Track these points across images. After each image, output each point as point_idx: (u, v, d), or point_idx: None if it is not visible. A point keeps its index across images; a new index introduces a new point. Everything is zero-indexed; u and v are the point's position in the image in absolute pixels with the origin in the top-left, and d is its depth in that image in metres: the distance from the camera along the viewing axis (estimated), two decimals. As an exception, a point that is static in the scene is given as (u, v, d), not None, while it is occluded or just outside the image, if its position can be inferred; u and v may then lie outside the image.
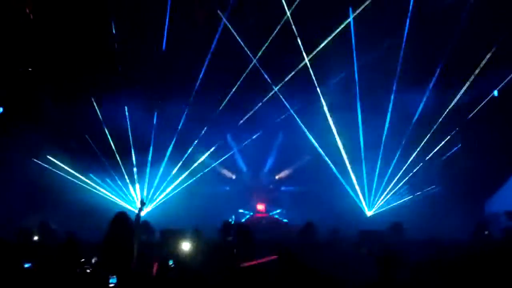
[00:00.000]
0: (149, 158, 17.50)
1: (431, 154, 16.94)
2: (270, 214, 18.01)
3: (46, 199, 16.29)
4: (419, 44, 15.81)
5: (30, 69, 16.82)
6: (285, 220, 17.85)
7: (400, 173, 17.13)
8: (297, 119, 17.25)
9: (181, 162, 17.53)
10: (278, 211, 18.08)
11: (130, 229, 9.08)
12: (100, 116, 17.08)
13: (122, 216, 9.05)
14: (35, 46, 16.19)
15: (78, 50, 16.07)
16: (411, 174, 17.09)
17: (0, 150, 16.22)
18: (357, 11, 16.07)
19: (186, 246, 10.47)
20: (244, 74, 16.81)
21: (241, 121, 17.46)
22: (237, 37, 16.50)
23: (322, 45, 16.41)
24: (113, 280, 8.02)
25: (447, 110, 16.68)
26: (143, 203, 10.89)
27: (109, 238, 8.83)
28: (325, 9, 16.04)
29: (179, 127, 17.33)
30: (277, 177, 18.72)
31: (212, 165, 17.93)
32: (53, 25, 15.97)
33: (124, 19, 16.14)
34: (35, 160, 16.77)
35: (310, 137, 17.27)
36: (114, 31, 16.39)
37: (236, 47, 16.60)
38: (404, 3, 15.94)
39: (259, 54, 16.64)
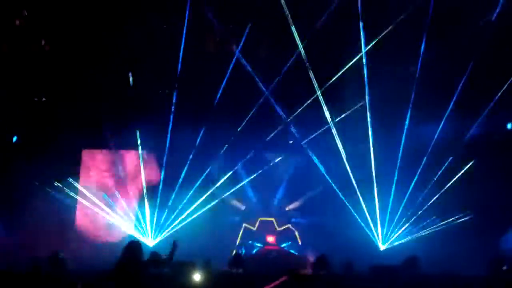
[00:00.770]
0: (159, 190, 17.39)
1: (446, 187, 16.65)
2: (281, 246, 17.72)
3: (55, 228, 16.27)
4: (433, 73, 15.66)
5: (44, 99, 17.15)
6: (295, 252, 17.56)
7: (415, 205, 16.85)
8: (308, 150, 17.09)
9: (190, 192, 17.38)
10: (288, 243, 17.79)
11: (141, 260, 8.88)
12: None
13: (134, 245, 8.84)
14: (51, 76, 16.49)
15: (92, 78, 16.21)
16: (425, 207, 16.75)
17: (15, 178, 16.23)
18: (370, 45, 16.03)
19: (197, 277, 10.29)
20: (255, 108, 16.89)
21: (250, 154, 17.35)
22: (249, 69, 16.54)
23: (335, 77, 16.39)
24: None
25: (461, 142, 16.55)
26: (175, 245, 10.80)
27: (121, 266, 8.63)
28: (337, 41, 16.06)
29: (189, 159, 17.15)
30: (287, 208, 18.48)
31: (222, 197, 17.70)
32: (68, 56, 16.21)
33: (139, 44, 16.14)
34: (47, 188, 16.72)
35: (321, 167, 17.08)
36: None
37: (248, 80, 16.63)
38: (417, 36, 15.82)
39: (271, 86, 16.70)
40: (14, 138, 17.47)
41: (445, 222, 16.55)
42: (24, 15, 16.09)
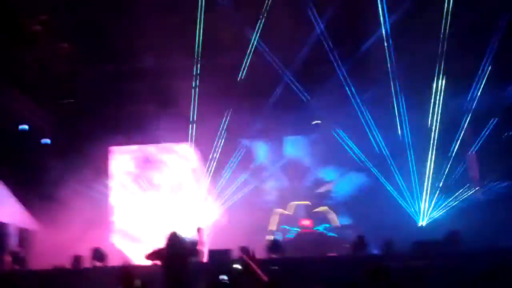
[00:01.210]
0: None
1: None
2: (317, 228, 17.52)
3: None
4: (465, 37, 15.16)
5: (72, 101, 17.54)
6: (332, 234, 17.34)
7: (453, 177, 16.43)
8: (340, 131, 16.86)
9: (223, 180, 17.34)
10: (325, 225, 17.57)
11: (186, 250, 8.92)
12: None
13: (177, 237, 8.86)
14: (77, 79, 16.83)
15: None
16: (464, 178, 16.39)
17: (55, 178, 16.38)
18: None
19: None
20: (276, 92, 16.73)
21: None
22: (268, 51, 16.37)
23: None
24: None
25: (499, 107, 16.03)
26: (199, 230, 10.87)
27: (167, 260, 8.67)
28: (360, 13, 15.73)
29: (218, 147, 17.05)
30: (321, 190, 18.25)
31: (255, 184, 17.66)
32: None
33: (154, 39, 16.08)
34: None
35: (355, 147, 16.81)
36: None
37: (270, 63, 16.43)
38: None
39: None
40: (47, 141, 17.94)
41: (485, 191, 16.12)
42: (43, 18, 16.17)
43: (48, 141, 18.10)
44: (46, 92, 17.11)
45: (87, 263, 13.66)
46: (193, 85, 16.73)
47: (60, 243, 14.77)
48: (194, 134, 17.21)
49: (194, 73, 16.68)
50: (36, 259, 14.19)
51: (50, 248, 14.66)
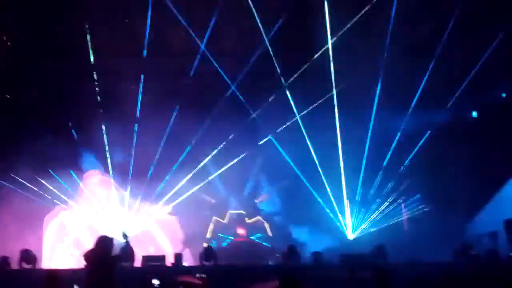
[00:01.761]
0: (128, 185, 17.33)
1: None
2: (251, 237, 17.84)
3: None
4: (399, 68, 15.87)
5: (7, 96, 16.79)
6: (266, 244, 17.69)
7: (382, 195, 17.19)
8: (276, 143, 17.28)
9: (161, 185, 17.38)
10: (259, 235, 17.90)
11: (113, 255, 8.85)
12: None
13: (106, 241, 8.78)
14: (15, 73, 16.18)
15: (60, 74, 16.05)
16: (393, 196, 17.11)
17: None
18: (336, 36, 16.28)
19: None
20: (222, 101, 17.00)
21: (220, 146, 17.35)
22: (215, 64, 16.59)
23: (301, 70, 16.63)
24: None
25: (427, 131, 16.88)
26: (125, 236, 10.91)
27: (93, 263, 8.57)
28: (303, 33, 16.19)
29: (158, 152, 17.11)
30: (257, 200, 18.58)
31: (191, 191, 17.71)
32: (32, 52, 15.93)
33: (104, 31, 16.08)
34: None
35: (289, 160, 17.23)
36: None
37: (215, 73, 16.67)
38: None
39: (238, 79, 16.84)
40: None
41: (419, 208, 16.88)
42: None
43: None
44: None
45: (15, 265, 13.37)
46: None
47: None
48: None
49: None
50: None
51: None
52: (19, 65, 16.12)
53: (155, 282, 9.46)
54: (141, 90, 16.85)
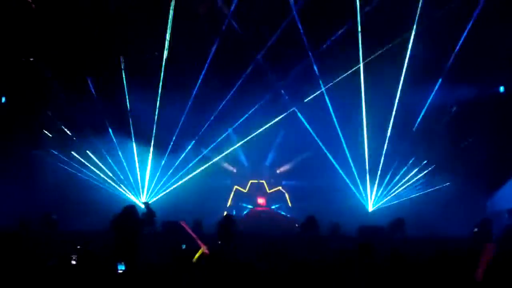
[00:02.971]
0: (151, 151, 17.50)
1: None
2: (271, 207, 18.00)
3: (49, 191, 16.25)
4: (425, 45, 15.73)
5: (32, 59, 16.75)
6: (285, 214, 17.84)
7: (404, 169, 17.13)
8: (300, 115, 17.22)
9: (183, 155, 17.53)
10: (279, 205, 18.06)
11: (138, 222, 9.26)
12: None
13: (131, 209, 9.20)
14: (38, 36, 16.08)
15: (82, 41, 16.05)
16: (416, 170, 17.04)
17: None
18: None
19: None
20: (248, 70, 16.84)
21: (244, 117, 17.37)
22: (240, 32, 16.49)
23: (326, 43, 16.46)
24: (121, 267, 8.09)
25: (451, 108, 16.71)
26: (147, 205, 11.14)
27: (119, 229, 8.98)
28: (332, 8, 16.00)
29: (182, 120, 17.24)
30: (278, 171, 18.70)
31: (214, 159, 17.87)
32: (56, 14, 15.82)
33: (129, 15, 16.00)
34: (35, 152, 16.88)
35: (312, 132, 17.24)
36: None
37: (240, 42, 16.57)
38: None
39: (263, 51, 16.68)
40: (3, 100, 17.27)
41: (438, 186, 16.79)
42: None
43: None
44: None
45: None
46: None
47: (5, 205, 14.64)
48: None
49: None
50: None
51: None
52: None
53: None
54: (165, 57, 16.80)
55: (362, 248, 7.68)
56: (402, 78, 16.41)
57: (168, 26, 16.26)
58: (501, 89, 16.86)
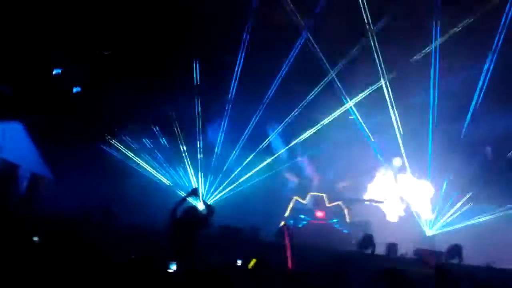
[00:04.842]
0: (215, 155, 17.91)
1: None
2: (329, 221, 17.99)
3: (112, 184, 16.76)
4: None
5: (107, 53, 17.51)
6: (344, 230, 17.81)
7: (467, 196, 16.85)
8: (369, 134, 17.21)
9: (246, 161, 17.83)
10: (337, 219, 18.03)
11: (197, 223, 9.44)
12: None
13: (193, 212, 9.43)
14: (116, 30, 16.65)
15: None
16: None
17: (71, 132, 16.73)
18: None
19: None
20: (320, 86, 16.99)
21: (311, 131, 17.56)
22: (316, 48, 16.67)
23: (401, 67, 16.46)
24: (171, 266, 8.32)
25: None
26: (206, 204, 11.05)
27: (179, 231, 9.22)
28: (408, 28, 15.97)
29: (249, 128, 17.59)
30: (339, 186, 18.69)
31: (278, 168, 18.16)
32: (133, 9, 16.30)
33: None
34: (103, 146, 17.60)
35: (376, 152, 17.19)
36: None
37: (314, 58, 16.74)
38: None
39: (336, 68, 16.85)
40: (76, 89, 17.84)
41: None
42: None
43: (79, 89, 17.97)
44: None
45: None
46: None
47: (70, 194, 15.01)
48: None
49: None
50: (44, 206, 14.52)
51: (60, 197, 14.96)
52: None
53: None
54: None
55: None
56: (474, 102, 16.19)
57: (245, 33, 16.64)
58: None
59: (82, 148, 16.59)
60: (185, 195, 9.89)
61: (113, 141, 17.93)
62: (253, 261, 8.64)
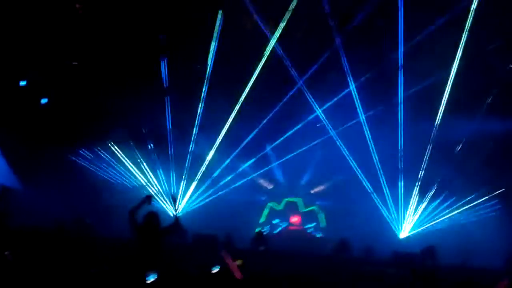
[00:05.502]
0: (187, 165, 17.78)
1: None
2: (304, 227, 18.03)
3: (84, 195, 16.55)
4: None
5: (75, 63, 17.03)
6: (318, 235, 17.86)
7: (439, 199, 17.11)
8: (338, 140, 17.33)
9: (219, 170, 17.77)
10: (312, 224, 18.09)
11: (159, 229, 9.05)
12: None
13: (153, 215, 9.01)
14: (84, 40, 16.38)
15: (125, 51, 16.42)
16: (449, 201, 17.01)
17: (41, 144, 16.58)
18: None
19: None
20: (288, 95, 17.22)
21: (283, 137, 17.63)
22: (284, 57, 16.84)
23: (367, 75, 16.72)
24: (150, 278, 8.13)
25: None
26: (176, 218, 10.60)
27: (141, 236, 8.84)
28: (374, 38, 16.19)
29: (220, 136, 17.53)
30: (312, 191, 18.73)
31: (251, 176, 18.20)
32: (101, 20, 16.22)
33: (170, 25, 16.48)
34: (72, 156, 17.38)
35: (349, 156, 17.32)
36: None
37: (283, 66, 16.92)
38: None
39: (305, 76, 16.99)
40: (44, 101, 17.34)
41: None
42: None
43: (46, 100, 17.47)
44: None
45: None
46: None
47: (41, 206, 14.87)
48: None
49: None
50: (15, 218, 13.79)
51: (31, 209, 14.66)
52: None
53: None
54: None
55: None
56: (442, 105, 16.44)
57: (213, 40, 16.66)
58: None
59: (52, 159, 16.47)
60: (139, 202, 9.13)
61: (84, 151, 17.62)
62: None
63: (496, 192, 16.58)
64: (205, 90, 17.29)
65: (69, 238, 11.72)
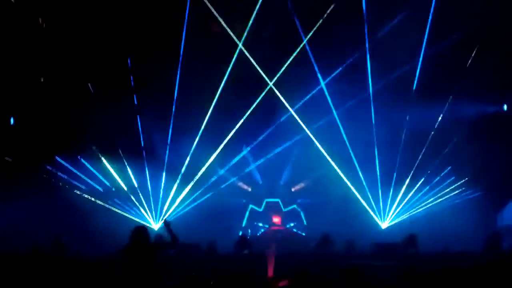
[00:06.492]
0: (164, 173, 17.71)
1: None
2: (286, 226, 18.11)
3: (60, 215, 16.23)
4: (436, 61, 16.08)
5: (42, 79, 16.76)
6: (301, 233, 17.95)
7: (416, 186, 17.40)
8: (312, 137, 17.46)
9: (197, 176, 17.72)
10: (294, 223, 18.18)
11: (149, 244, 8.78)
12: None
13: (142, 230, 8.74)
14: (49, 55, 16.17)
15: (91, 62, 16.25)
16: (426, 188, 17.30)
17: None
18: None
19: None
20: (260, 97, 17.22)
21: (259, 139, 17.70)
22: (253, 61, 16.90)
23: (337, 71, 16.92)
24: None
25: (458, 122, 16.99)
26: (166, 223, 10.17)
27: (129, 251, 8.57)
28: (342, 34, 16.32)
29: (196, 141, 17.44)
30: (293, 189, 18.81)
31: (231, 180, 18.18)
32: (66, 35, 15.97)
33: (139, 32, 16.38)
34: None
35: (324, 151, 17.44)
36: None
37: (253, 65, 16.95)
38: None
39: (276, 77, 17.06)
40: (12, 120, 17.02)
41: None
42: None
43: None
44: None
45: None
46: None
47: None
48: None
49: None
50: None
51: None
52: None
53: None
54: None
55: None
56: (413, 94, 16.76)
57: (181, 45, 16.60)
58: (505, 107, 17.07)
59: (21, 177, 16.12)
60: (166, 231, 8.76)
61: (51, 168, 17.32)
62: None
63: (466, 179, 16.97)
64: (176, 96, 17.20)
65: (45, 261, 11.32)
